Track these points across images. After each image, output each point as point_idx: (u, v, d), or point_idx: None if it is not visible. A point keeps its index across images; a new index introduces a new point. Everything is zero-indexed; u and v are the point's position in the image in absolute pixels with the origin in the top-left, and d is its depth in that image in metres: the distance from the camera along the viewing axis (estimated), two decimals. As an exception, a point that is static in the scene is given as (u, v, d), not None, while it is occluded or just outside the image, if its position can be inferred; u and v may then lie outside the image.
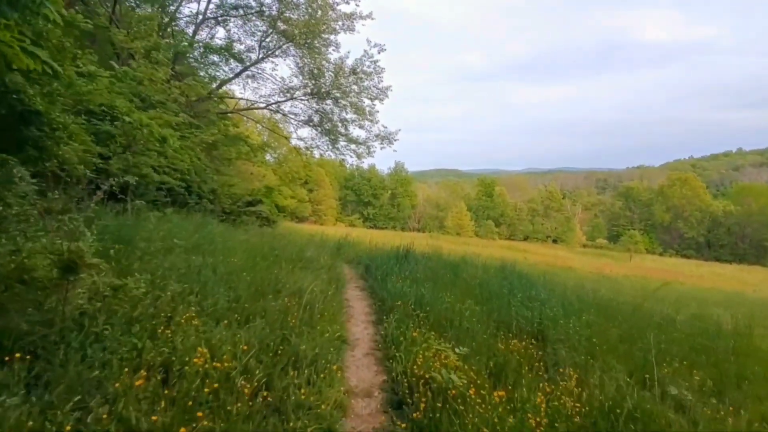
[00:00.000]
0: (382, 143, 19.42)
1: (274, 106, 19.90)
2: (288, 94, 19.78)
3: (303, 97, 19.27)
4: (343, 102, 18.80)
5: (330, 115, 19.74)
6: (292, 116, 20.22)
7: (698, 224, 74.00)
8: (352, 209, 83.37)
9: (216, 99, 19.86)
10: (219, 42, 17.53)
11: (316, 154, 21.11)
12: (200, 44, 16.62)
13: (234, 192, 16.18)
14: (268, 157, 69.61)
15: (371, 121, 19.07)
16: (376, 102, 18.88)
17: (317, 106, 19.74)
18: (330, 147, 20.56)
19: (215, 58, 18.84)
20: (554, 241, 79.22)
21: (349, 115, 19.15)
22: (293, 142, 22.61)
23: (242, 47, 18.30)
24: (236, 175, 33.29)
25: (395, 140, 19.37)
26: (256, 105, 19.89)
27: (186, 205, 12.74)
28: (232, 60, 18.94)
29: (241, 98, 20.10)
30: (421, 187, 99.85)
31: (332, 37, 17.89)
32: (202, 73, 19.19)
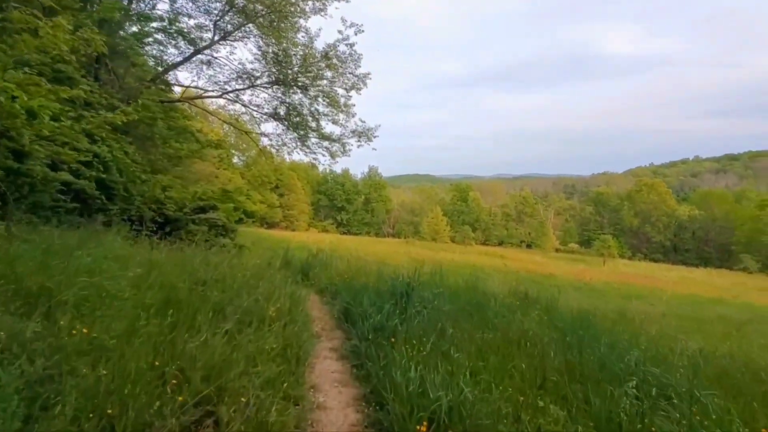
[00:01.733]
0: (359, 140, 16.69)
1: (231, 95, 16.80)
2: (248, 81, 16.74)
3: (266, 85, 16.28)
4: (313, 91, 15.97)
5: (298, 107, 16.84)
6: (254, 108, 17.20)
7: (665, 229, 75.14)
8: (325, 214, 79.97)
9: (161, 87, 16.58)
10: (161, 13, 14.30)
11: (284, 152, 18.14)
12: (135, 14, 13.37)
13: (179, 197, 12.97)
14: (235, 159, 65.71)
15: (347, 114, 16.33)
16: (353, 93, 16.17)
17: (283, 97, 16.80)
18: (299, 144, 17.64)
19: (160, 36, 15.56)
20: (528, 245, 78.62)
21: (321, 107, 16.34)
22: (263, 141, 19.48)
23: (192, 24, 15.14)
24: (193, 178, 29.61)
25: (374, 137, 16.68)
26: (209, 93, 16.71)
27: (100, 212, 9.55)
28: (181, 40, 15.73)
29: (192, 86, 16.87)
30: (396, 192, 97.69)
31: (301, 21, 15.06)
32: (145, 56, 15.90)
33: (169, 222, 14.62)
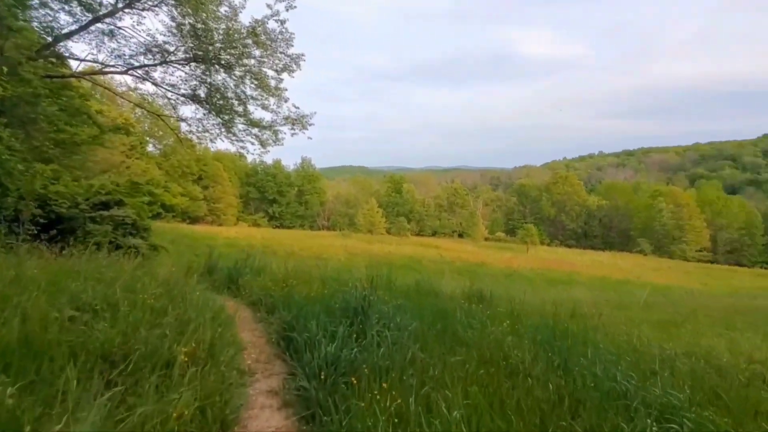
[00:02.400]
0: (293, 127, 15.18)
1: (140, 71, 14.33)
2: (160, 57, 14.40)
3: (181, 62, 14.12)
4: (239, 71, 14.16)
5: (222, 89, 14.88)
6: (168, 87, 14.87)
7: (577, 217, 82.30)
8: (256, 207, 75.80)
9: (51, 60, 13.66)
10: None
11: (206, 140, 16.02)
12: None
13: (69, 191, 10.62)
14: (150, 148, 59.32)
15: (278, 98, 14.73)
16: (285, 75, 14.61)
17: (203, 76, 14.72)
18: (224, 131, 15.66)
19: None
20: (460, 235, 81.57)
21: (249, 90, 14.57)
22: (183, 128, 16.99)
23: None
24: (97, 169, 25.64)
25: (309, 125, 15.28)
26: (111, 68, 14.07)
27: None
28: (76, 5, 13.00)
29: (90, 60, 14.09)
30: (330, 183, 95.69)
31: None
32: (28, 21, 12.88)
33: (59, 221, 12.07)
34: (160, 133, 59.90)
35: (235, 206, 69.58)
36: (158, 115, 15.91)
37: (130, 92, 16.38)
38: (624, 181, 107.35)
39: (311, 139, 15.47)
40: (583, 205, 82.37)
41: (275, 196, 75.90)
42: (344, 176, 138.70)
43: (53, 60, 13.85)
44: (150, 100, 16.34)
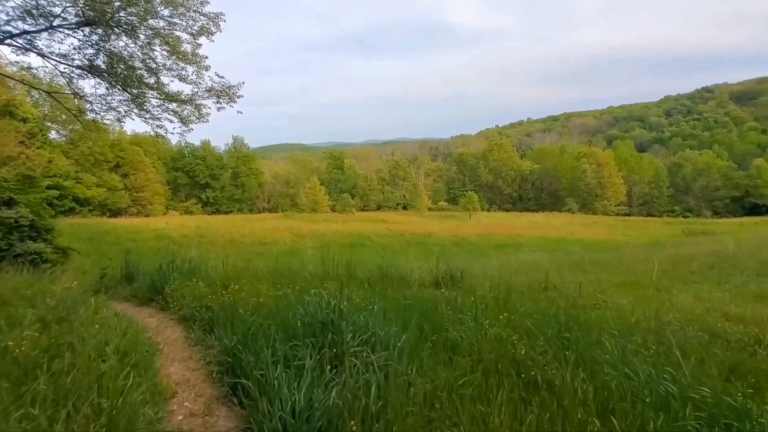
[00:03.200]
0: (218, 101, 13.16)
1: (20, 40, 11.45)
2: (44, 21, 11.61)
3: (71, 26, 11.48)
4: (145, 35, 11.85)
5: (126, 58, 12.43)
6: (59, 59, 12.13)
7: (512, 182, 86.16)
8: (187, 194, 70.03)
9: None
10: None
11: (111, 119, 13.53)
12: None
13: None
14: (53, 135, 51.72)
15: (198, 67, 12.62)
16: (202, 39, 12.50)
17: (101, 43, 12.17)
18: (134, 108, 13.28)
19: None
20: (404, 207, 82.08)
21: (161, 57, 12.30)
22: (86, 108, 14.13)
23: None
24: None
25: (238, 96, 13.37)
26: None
27: None
28: None
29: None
30: (267, 163, 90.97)
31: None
32: None
33: None
34: (63, 117, 51.92)
35: (162, 194, 63.65)
36: (49, 93, 13.04)
37: (10, 66, 13.20)
38: (551, 145, 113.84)
39: (241, 113, 13.65)
40: (518, 170, 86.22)
41: (207, 180, 70.54)
42: (281, 155, 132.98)
43: None
44: (38, 75, 13.37)
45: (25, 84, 14.14)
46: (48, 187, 45.72)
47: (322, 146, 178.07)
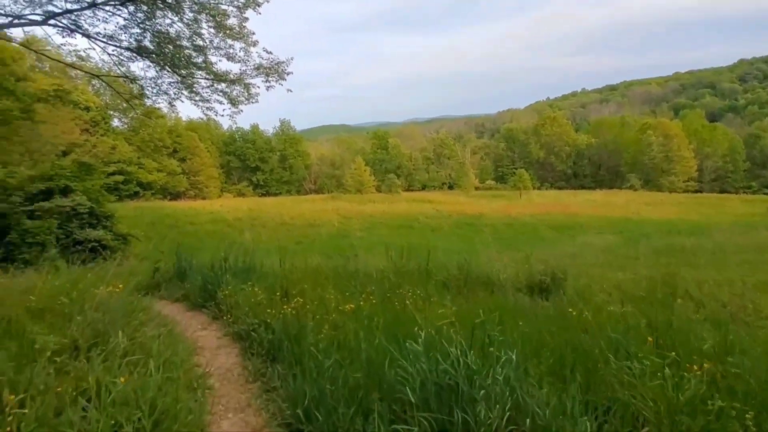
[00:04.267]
0: (267, 78, 12.24)
1: (64, 20, 11.08)
2: None
3: (115, 3, 10.91)
4: (190, 10, 11.06)
5: (174, 38, 11.76)
6: (106, 40, 11.70)
7: (567, 158, 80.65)
8: (239, 177, 72.02)
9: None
10: None
11: (163, 102, 13.07)
12: None
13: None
14: (116, 123, 54.27)
15: (245, 43, 11.72)
16: (249, 12, 11.55)
17: (146, 22, 11.56)
18: (184, 91, 12.71)
19: None
20: (450, 187, 79.72)
21: (207, 34, 11.50)
22: (135, 91, 13.86)
23: None
24: (48, 150, 22.18)
25: (287, 73, 12.38)
26: (25, 19, 10.78)
27: None
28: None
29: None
30: (313, 145, 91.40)
31: None
32: None
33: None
34: (123, 105, 54.32)
35: (217, 178, 65.79)
36: (98, 76, 12.76)
37: (59, 50, 13.03)
38: (610, 116, 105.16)
39: (291, 92, 12.65)
40: (573, 145, 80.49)
41: (257, 163, 71.99)
42: (326, 137, 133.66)
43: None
44: (85, 57, 13.11)
45: (75, 68, 13.98)
46: (113, 173, 48.43)
47: (365, 127, 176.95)
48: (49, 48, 15.32)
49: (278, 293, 4.75)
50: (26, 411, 2.22)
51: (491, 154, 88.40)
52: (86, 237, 11.63)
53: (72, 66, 13.58)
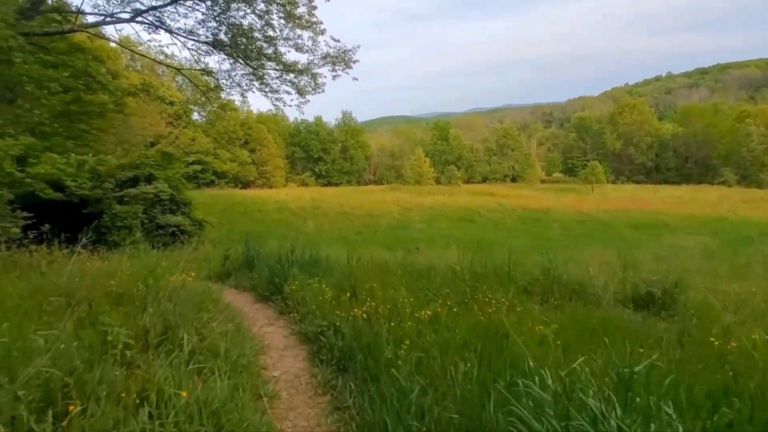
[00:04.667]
0: (333, 68, 12.13)
1: (150, 17, 11.71)
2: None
3: (194, -2, 11.28)
4: (263, 1, 11.12)
5: (247, 30, 11.96)
6: (186, 35, 12.23)
7: (647, 149, 73.23)
8: (303, 167, 74.57)
9: (55, 14, 11.40)
10: None
11: (236, 94, 13.47)
12: None
13: (49, 171, 8.53)
14: (195, 116, 58.31)
15: (313, 32, 11.62)
16: (317, 1, 11.39)
17: (222, 15, 11.86)
18: (255, 82, 12.98)
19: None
20: (513, 179, 76.18)
21: (277, 24, 11.54)
22: (210, 83, 14.51)
23: None
24: (138, 141, 24.23)
25: (354, 61, 12.13)
26: (115, 17, 11.53)
27: None
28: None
29: (96, 13, 11.65)
30: (373, 136, 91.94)
31: None
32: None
33: (84, 205, 10.28)
34: (203, 99, 58.28)
35: (282, 168, 68.63)
36: (178, 70, 13.41)
37: (145, 45, 13.87)
38: (700, 102, 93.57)
39: (357, 80, 12.36)
40: (655, 135, 72.76)
41: (320, 154, 73.96)
42: (385, 128, 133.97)
43: (58, 16, 11.57)
44: (169, 54, 13.84)
45: (162, 64, 14.83)
46: (192, 163, 52.35)
47: (425, 117, 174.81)
48: (140, 48, 16.53)
49: (347, 292, 4.41)
50: (88, 419, 2.02)
51: (560, 145, 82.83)
52: (167, 222, 12.35)
53: (160, 63, 14.43)
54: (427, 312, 3.55)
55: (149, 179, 11.59)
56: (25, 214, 7.11)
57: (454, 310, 3.70)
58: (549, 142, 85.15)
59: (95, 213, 10.38)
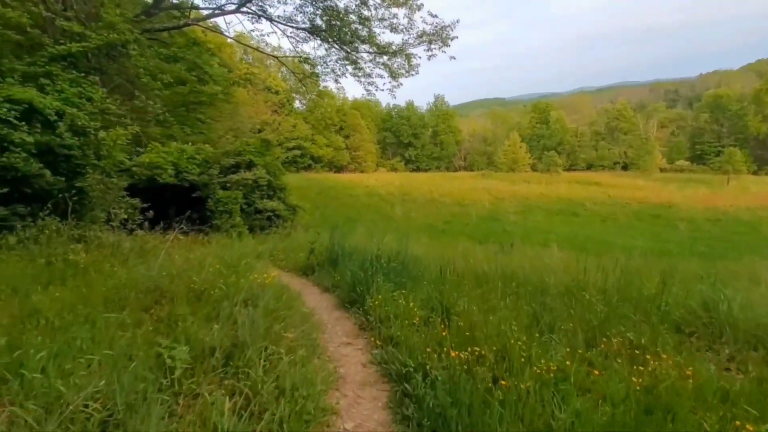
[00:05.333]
0: (429, 47, 11.14)
1: (252, 6, 11.92)
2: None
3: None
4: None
5: (342, 13, 11.52)
6: (285, 22, 12.25)
7: (809, 133, 58.56)
8: (393, 152, 74.87)
9: (174, 10, 12.30)
10: None
11: (330, 79, 13.28)
12: None
13: (157, 158, 8.98)
14: (297, 104, 61.87)
15: (410, 8, 10.73)
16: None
17: (320, 1, 11.56)
18: (349, 67, 12.61)
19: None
20: (624, 167, 67.22)
21: (373, 3, 10.89)
22: (307, 70, 14.66)
23: None
24: (244, 129, 26.05)
25: (452, 38, 10.96)
26: (223, 9, 11.96)
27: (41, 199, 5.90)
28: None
29: (204, 7, 12.26)
30: (464, 121, 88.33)
31: None
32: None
33: (193, 189, 11.01)
34: (303, 88, 61.52)
35: (373, 153, 69.66)
36: (276, 57, 13.63)
37: (250, 34, 14.36)
38: None
39: (454, 59, 11.19)
40: (823, 115, 57.77)
41: (410, 139, 73.39)
42: (478, 111, 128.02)
43: (177, 11, 12.44)
44: (274, 46, 14.13)
45: (260, 52, 15.27)
46: (293, 148, 55.81)
47: (522, 99, 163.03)
48: (251, 41, 17.39)
49: (438, 314, 3.61)
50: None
51: (687, 128, 70.55)
52: (264, 207, 12.78)
53: (262, 52, 14.90)
54: (552, 366, 2.58)
55: (249, 166, 12.02)
56: (138, 200, 7.58)
57: (585, 356, 2.66)
58: (673, 125, 73.03)
59: (203, 197, 11.05)
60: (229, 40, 18.99)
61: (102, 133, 6.16)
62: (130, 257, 5.54)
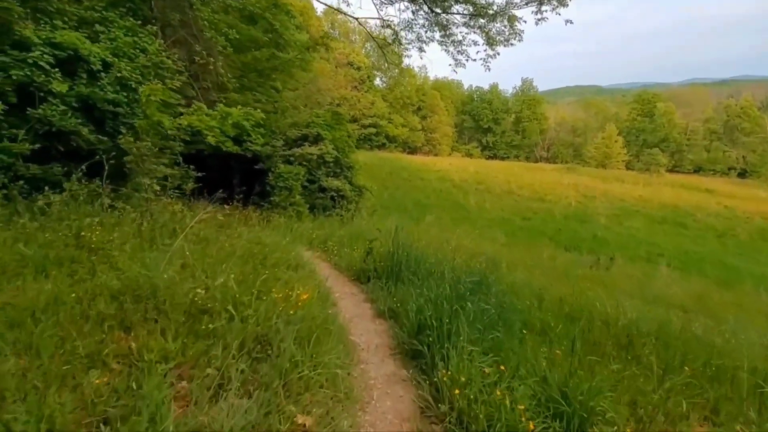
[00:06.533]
0: (539, 7, 8.81)
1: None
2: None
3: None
4: None
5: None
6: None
7: None
8: (470, 137, 70.83)
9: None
10: None
11: (414, 48, 11.53)
12: None
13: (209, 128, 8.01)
14: (377, 81, 60.68)
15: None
16: None
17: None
18: (435, 30, 10.71)
19: None
20: (741, 174, 56.63)
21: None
22: (389, 37, 13.06)
23: None
24: (317, 100, 25.27)
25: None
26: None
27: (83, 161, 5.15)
28: None
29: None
30: (553, 108, 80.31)
31: None
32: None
33: (255, 161, 10.17)
34: (385, 65, 59.81)
35: (450, 136, 66.44)
36: (356, 18, 12.14)
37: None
38: None
39: (571, 23, 8.76)
40: None
41: (490, 124, 68.64)
42: (570, 99, 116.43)
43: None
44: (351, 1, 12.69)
45: (339, 12, 13.87)
46: (369, 125, 54.96)
47: (623, 88, 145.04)
48: (340, 17, 16.18)
49: (553, 413, 1.97)
50: None
51: (838, 133, 56.87)
52: (329, 185, 11.67)
53: (342, 12, 13.52)
54: None
55: (316, 140, 10.90)
56: (192, 167, 6.73)
57: None
58: (818, 128, 59.25)
59: (265, 170, 10.18)
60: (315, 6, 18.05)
61: (142, 88, 5.26)
62: (156, 238, 4.57)
